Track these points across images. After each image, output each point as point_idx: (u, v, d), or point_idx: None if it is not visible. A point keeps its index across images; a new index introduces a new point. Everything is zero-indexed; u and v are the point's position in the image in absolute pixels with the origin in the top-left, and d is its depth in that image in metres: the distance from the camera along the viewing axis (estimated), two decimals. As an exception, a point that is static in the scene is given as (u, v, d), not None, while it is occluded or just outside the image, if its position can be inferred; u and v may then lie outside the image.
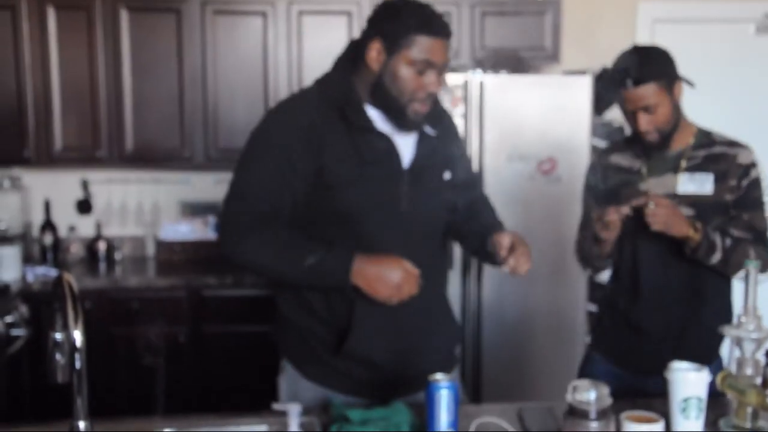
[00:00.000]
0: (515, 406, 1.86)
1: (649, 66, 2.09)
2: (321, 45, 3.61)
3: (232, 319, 3.47)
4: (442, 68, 1.82)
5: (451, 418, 1.61)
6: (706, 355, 2.12)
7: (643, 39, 3.88)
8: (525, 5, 3.62)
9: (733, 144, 2.18)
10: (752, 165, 2.15)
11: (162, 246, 3.83)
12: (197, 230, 3.85)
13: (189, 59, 3.60)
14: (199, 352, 3.45)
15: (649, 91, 2.07)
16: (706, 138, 2.19)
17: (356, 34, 3.57)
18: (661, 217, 2.01)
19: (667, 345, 2.12)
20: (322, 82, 1.93)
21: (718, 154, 2.16)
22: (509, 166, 3.28)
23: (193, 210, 3.98)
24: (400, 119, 1.84)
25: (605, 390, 1.50)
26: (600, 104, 3.38)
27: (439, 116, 1.96)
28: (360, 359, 1.88)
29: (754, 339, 1.69)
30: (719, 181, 2.13)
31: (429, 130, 1.93)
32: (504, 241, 1.84)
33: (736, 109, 3.98)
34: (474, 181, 2.16)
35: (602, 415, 1.48)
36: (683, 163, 2.17)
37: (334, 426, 1.69)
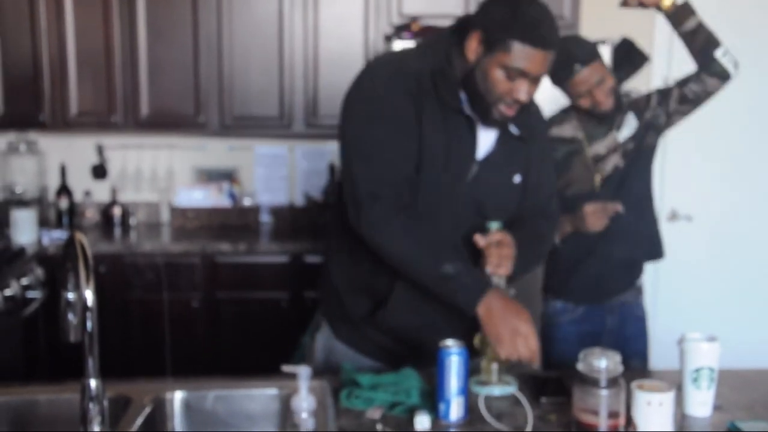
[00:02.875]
0: (525, 374, 1.86)
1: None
2: (337, 12, 3.58)
3: (245, 286, 3.49)
4: (537, 78, 1.73)
5: (461, 384, 1.62)
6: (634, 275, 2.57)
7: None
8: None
9: None
10: None
11: (176, 212, 3.84)
12: (212, 196, 3.86)
13: (204, 25, 3.58)
14: (212, 317, 3.48)
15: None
16: None
17: (372, 1, 3.55)
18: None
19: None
20: (424, 49, 1.86)
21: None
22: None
23: (208, 176, 3.99)
24: (484, 115, 1.78)
25: (617, 358, 1.49)
26: (620, 73, 3.36)
27: (529, 119, 1.88)
28: (389, 330, 1.90)
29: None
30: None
31: (514, 129, 1.86)
32: (483, 240, 1.76)
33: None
34: (542, 201, 1.99)
35: (612, 383, 1.48)
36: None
37: (344, 390, 1.70)
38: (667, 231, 4.03)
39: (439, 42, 1.83)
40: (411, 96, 1.76)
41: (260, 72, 3.63)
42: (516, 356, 1.66)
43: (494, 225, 1.76)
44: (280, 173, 4.01)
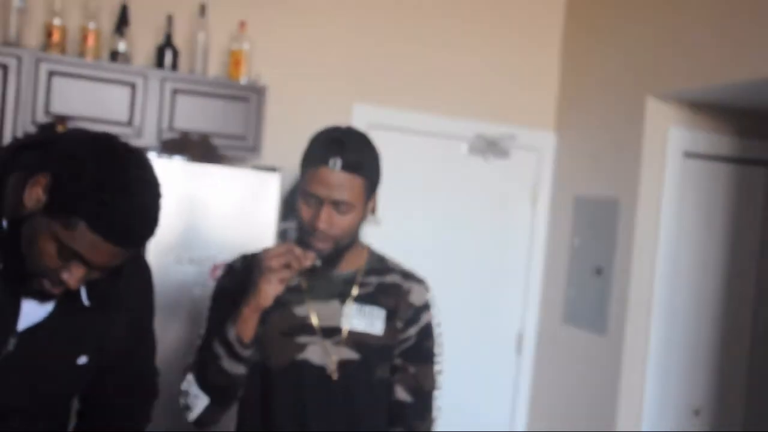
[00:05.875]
0: None
1: (363, 154, 1.63)
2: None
3: None
4: (101, 267, 1.29)
5: None
6: None
7: (358, 144, 3.63)
8: (225, 88, 3.21)
9: (408, 276, 1.81)
10: (425, 307, 1.78)
11: None
12: None
13: None
14: None
15: (353, 184, 1.60)
16: (379, 263, 1.80)
17: (12, 90, 2.94)
18: None
19: None
20: None
21: (389, 285, 1.77)
22: (178, 270, 2.76)
23: None
24: (19, 280, 1.28)
25: None
26: (288, 209, 3.03)
27: (113, 284, 1.40)
28: None
29: None
30: (389, 319, 1.73)
31: (84, 297, 1.39)
32: None
33: (439, 227, 3.84)
34: (129, 379, 1.61)
35: None
36: (354, 290, 1.72)
37: None
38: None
39: None
40: None
41: None
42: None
43: None
44: None
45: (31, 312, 1.34)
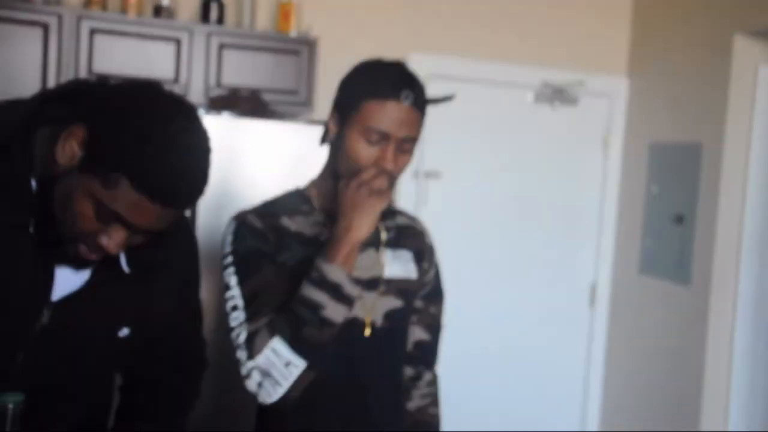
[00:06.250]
0: None
1: (425, 92, 1.47)
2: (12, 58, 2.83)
3: None
4: (147, 231, 1.17)
5: None
6: None
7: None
8: (274, 41, 3.05)
9: (412, 218, 1.70)
10: (433, 248, 1.69)
11: None
12: None
13: None
14: None
15: (418, 121, 1.44)
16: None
17: (54, 50, 2.83)
18: None
19: None
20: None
21: (405, 227, 1.65)
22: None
23: None
24: (51, 248, 1.19)
25: None
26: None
27: (155, 250, 1.28)
28: None
29: None
30: (417, 261, 1.62)
31: (123, 263, 1.28)
32: None
33: (505, 178, 3.64)
34: (173, 351, 1.50)
35: None
36: (383, 236, 1.57)
37: None
38: (420, 186, 3.46)
39: (23, 113, 1.19)
40: None
41: None
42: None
43: (11, 399, 1.14)
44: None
45: (66, 281, 1.24)
